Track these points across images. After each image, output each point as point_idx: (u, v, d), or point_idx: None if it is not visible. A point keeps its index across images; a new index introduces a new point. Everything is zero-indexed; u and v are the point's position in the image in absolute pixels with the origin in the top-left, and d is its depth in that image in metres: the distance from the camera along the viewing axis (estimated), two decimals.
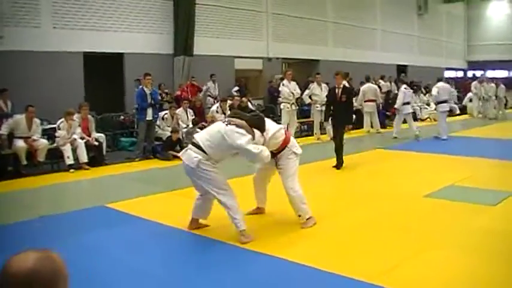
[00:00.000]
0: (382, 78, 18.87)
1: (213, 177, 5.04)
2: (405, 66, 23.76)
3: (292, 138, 5.66)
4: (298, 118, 13.83)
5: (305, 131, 14.42)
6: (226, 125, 5.03)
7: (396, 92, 18.88)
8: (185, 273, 4.38)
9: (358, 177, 8.69)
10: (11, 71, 10.77)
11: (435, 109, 14.63)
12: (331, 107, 9.44)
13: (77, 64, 12.18)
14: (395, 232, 5.37)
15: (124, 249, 4.98)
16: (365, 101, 14.91)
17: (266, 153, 5.02)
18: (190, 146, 5.15)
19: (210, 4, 15.14)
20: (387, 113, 16.61)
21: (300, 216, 5.50)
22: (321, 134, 13.21)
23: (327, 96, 10.14)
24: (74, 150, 9.43)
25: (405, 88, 13.70)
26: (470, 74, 28.40)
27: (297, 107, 13.14)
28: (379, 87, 16.59)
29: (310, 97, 13.50)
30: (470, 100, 20.64)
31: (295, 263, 4.46)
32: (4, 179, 8.55)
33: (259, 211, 6.01)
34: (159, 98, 11.51)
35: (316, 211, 5.70)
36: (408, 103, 13.65)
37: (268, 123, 5.41)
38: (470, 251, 4.78)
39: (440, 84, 13.53)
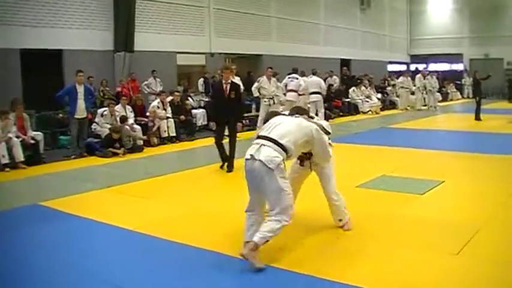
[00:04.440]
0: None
1: (284, 186, 4.24)
2: (349, 60, 24.19)
3: None
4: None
5: (247, 125, 14.50)
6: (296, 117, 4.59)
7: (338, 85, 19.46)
8: (115, 269, 4.41)
9: None
10: None
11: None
12: (218, 105, 8.73)
13: (13, 61, 11.87)
14: (325, 222, 5.45)
15: (55, 245, 5.00)
16: (310, 93, 15.23)
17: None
18: (264, 141, 4.28)
19: None
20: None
21: (340, 220, 5.15)
22: None
23: (212, 93, 9.29)
24: (10, 149, 9.24)
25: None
26: (413, 67, 29.13)
27: None
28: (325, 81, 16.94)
29: (259, 91, 13.58)
30: (413, 93, 21.31)
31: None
32: None
33: None
34: (96, 94, 11.38)
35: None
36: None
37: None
38: (397, 239, 4.99)
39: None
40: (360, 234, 5.11)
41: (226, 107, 8.43)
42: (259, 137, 4.37)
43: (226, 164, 8.60)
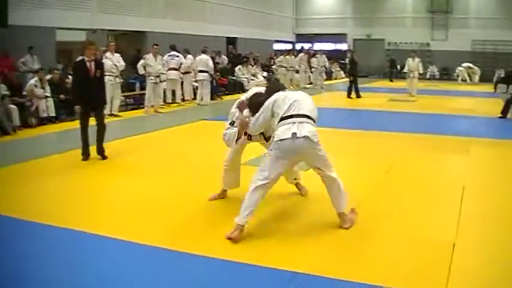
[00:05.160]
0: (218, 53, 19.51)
1: (324, 153, 4.71)
2: (235, 38, 24.41)
3: None
4: (123, 91, 13.70)
5: (131, 104, 14.28)
6: None
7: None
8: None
9: (181, 150, 8.82)
10: None
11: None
12: (82, 86, 7.70)
13: None
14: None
15: None
16: (199, 72, 15.25)
17: None
18: (299, 119, 4.52)
19: None
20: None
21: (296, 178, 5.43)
22: (151, 106, 13.18)
23: (73, 72, 8.38)
24: None
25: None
26: (298, 46, 29.97)
27: (121, 80, 13.02)
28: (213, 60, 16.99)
29: (144, 68, 13.31)
30: (297, 72, 22.04)
31: None
32: None
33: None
34: None
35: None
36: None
37: None
38: (281, 215, 5.23)
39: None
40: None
41: (91, 87, 7.61)
42: (288, 117, 4.53)
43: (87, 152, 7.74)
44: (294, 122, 4.49)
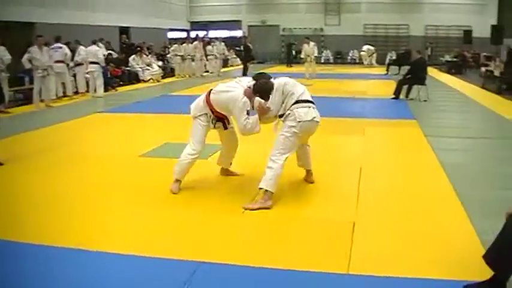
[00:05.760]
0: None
1: None
2: (128, 28, 23.79)
3: None
4: (11, 86, 12.89)
5: (21, 99, 13.47)
6: None
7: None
8: None
9: (71, 142, 8.50)
10: None
11: None
12: None
13: None
14: (109, 192, 5.65)
15: None
16: (90, 63, 14.72)
17: None
18: (309, 104, 5.24)
19: None
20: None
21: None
22: (40, 101, 12.51)
23: None
24: None
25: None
26: (193, 34, 29.66)
27: (8, 74, 12.31)
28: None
29: (30, 61, 12.53)
30: (193, 60, 21.86)
31: None
32: None
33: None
34: None
35: None
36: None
37: None
38: (189, 204, 5.25)
39: None
40: (138, 202, 5.30)
41: None
42: (303, 101, 5.21)
43: None
44: (310, 107, 5.21)
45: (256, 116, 5.22)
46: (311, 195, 5.53)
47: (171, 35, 29.53)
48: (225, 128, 5.71)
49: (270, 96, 5.19)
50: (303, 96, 5.20)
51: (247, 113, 5.20)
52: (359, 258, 3.90)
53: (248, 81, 5.45)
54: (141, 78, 19.02)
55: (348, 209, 5.04)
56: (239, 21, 32.64)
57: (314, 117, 5.17)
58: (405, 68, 15.87)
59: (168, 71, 21.69)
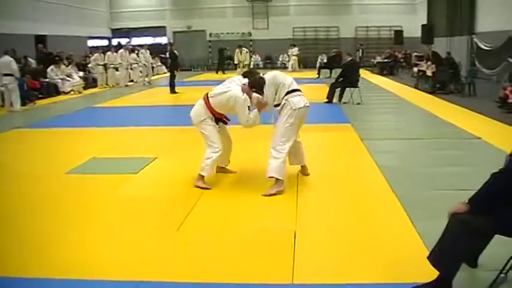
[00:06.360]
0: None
1: None
2: (45, 36, 22.65)
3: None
4: None
5: None
6: None
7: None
8: None
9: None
10: None
11: None
12: None
13: None
14: (36, 214, 5.24)
15: None
16: (3, 75, 13.78)
17: None
18: (298, 92, 5.82)
19: None
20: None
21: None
22: None
23: None
24: None
25: None
26: (115, 42, 28.89)
27: None
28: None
29: None
30: (117, 69, 21.21)
31: None
32: None
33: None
34: None
35: None
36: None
37: None
38: (118, 221, 5.01)
39: None
40: (69, 222, 5.00)
41: None
42: (293, 90, 5.80)
43: None
44: (299, 95, 5.81)
45: (256, 110, 5.79)
46: (248, 205, 5.39)
47: (92, 43, 28.52)
48: (225, 123, 6.27)
49: (264, 90, 5.74)
50: (292, 86, 5.81)
51: (248, 108, 5.75)
52: (303, 267, 3.83)
53: (239, 79, 6.04)
54: (61, 90, 18.08)
55: (287, 217, 4.95)
56: (163, 27, 32.02)
57: (306, 103, 5.80)
58: (337, 71, 16.04)
59: (90, 82, 20.88)
